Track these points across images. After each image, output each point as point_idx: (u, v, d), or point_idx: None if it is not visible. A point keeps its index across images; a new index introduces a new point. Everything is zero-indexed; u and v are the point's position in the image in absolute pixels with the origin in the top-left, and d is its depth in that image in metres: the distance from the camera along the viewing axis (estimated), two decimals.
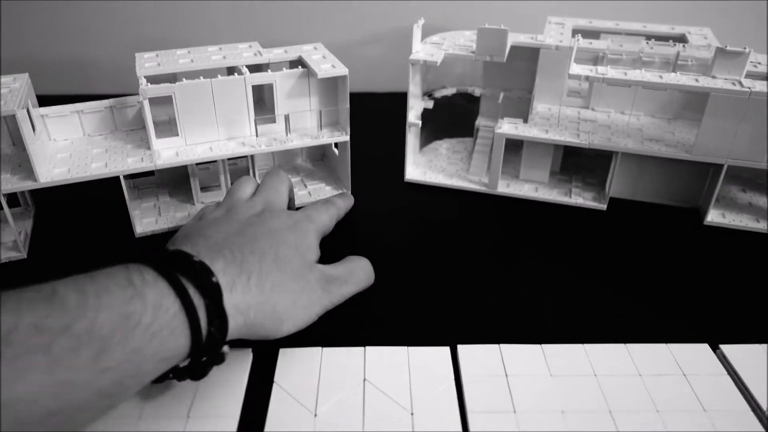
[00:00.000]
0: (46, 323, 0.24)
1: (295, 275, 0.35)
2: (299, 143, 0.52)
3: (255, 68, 0.52)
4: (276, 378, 0.36)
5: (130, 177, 0.54)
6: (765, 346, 0.37)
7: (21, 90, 0.46)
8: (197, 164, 0.52)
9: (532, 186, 0.57)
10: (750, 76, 0.50)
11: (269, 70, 0.52)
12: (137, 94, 0.48)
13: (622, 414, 0.33)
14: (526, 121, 0.55)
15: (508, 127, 0.54)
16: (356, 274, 0.41)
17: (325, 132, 0.53)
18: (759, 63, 0.53)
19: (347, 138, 0.53)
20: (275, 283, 0.33)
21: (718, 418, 0.33)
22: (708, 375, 0.35)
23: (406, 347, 0.38)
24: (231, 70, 0.52)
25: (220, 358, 0.31)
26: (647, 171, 0.53)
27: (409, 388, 0.35)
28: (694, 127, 0.54)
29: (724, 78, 0.49)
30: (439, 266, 0.47)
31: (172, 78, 0.49)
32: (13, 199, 0.52)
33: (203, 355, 0.30)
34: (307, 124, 0.54)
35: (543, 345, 0.38)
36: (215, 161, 0.52)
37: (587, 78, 0.50)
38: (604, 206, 0.54)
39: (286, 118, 0.51)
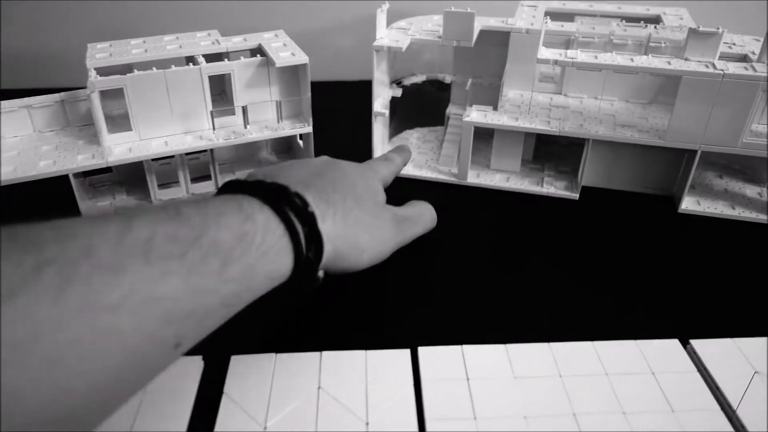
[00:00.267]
0: (179, 234, 0.26)
1: (371, 213, 0.37)
2: (259, 136, 0.50)
3: (214, 58, 0.50)
4: (226, 388, 0.34)
5: (85, 174, 0.52)
6: (736, 340, 0.36)
7: None
8: (155, 159, 0.50)
9: (503, 176, 0.55)
10: (725, 57, 0.48)
11: (227, 59, 0.49)
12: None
13: (587, 417, 0.31)
14: (496, 108, 0.54)
15: (477, 115, 0.52)
16: (423, 216, 0.43)
17: (286, 123, 0.51)
18: (734, 44, 0.51)
19: (310, 129, 0.51)
20: (356, 219, 0.35)
21: (686, 418, 0.31)
22: (678, 373, 0.34)
23: (364, 351, 0.36)
24: (190, 60, 0.49)
25: (316, 281, 0.34)
26: (620, 158, 0.52)
27: (365, 395, 0.33)
28: (668, 112, 0.53)
29: (697, 60, 0.47)
30: (404, 262, 0.45)
31: (127, 69, 0.47)
32: None
33: (301, 279, 0.32)
34: (268, 115, 0.52)
35: (507, 345, 0.36)
36: (173, 156, 0.50)
37: (556, 62, 0.48)
38: (576, 195, 0.52)
39: (244, 109, 0.49)
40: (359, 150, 0.57)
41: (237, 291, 0.28)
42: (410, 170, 0.56)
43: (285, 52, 0.49)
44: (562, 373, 0.34)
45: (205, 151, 0.51)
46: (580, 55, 0.48)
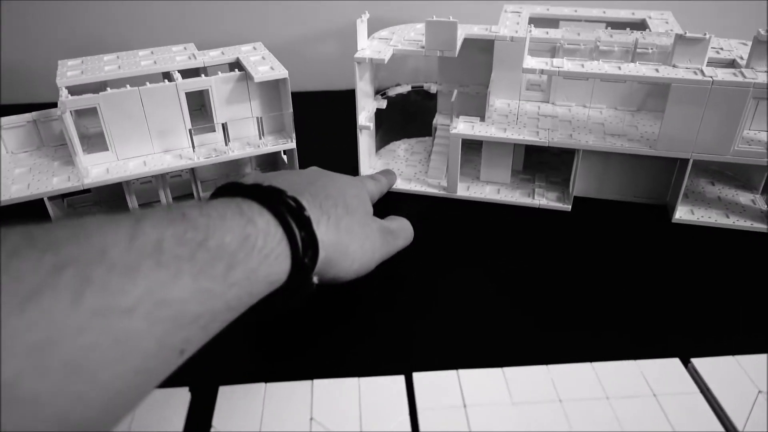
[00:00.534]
0: (187, 237, 0.26)
1: (361, 222, 0.37)
2: (241, 153, 0.48)
3: (191, 73, 0.49)
4: (214, 421, 0.32)
5: (63, 196, 0.50)
6: (738, 358, 0.35)
7: None
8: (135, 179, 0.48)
9: (493, 187, 0.54)
10: (713, 63, 0.47)
11: (204, 75, 0.48)
12: None
13: None
14: (483, 118, 0.52)
15: (464, 127, 0.51)
16: (405, 230, 0.43)
17: (269, 139, 0.50)
18: (721, 48, 0.50)
19: (293, 145, 0.49)
20: (347, 227, 0.35)
21: None
22: (679, 394, 0.33)
23: (357, 378, 0.35)
24: (166, 76, 0.48)
25: (311, 286, 0.33)
26: (611, 168, 0.51)
27: (359, 425, 0.32)
28: (658, 119, 0.52)
29: (685, 67, 0.46)
30: (395, 282, 0.44)
31: (100, 87, 0.45)
32: None
33: (297, 283, 0.31)
34: (250, 132, 0.50)
35: (504, 368, 0.35)
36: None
37: (542, 71, 0.47)
38: (568, 207, 0.51)
39: (224, 126, 0.47)
40: (345, 163, 0.55)
41: (240, 295, 0.28)
42: (399, 184, 0.54)
43: (264, 66, 0.48)
44: (561, 397, 0.33)
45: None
46: (567, 64, 0.47)
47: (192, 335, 0.25)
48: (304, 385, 0.34)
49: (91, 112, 0.45)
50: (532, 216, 0.51)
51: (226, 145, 0.48)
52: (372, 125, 0.53)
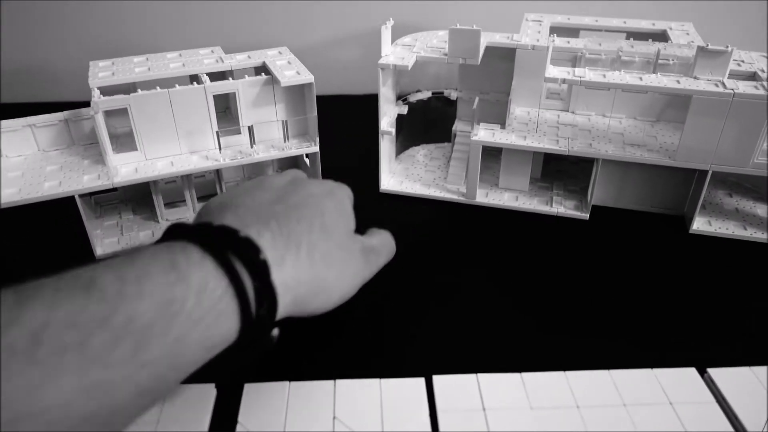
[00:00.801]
0: (83, 317, 0.22)
1: (340, 245, 0.33)
2: (265, 156, 0.49)
3: (218, 76, 0.50)
4: (240, 417, 0.33)
5: (90, 193, 0.51)
6: (754, 369, 0.36)
7: None
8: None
9: (512, 195, 0.54)
10: (734, 75, 0.48)
11: (231, 78, 0.49)
12: None
13: None
14: (503, 126, 0.53)
15: (485, 134, 0.52)
16: (387, 245, 0.39)
17: (293, 143, 0.51)
18: (742, 61, 0.51)
19: (317, 149, 0.50)
20: (323, 254, 0.31)
21: None
22: (695, 403, 0.34)
23: (378, 379, 0.35)
24: (194, 79, 0.49)
25: (269, 342, 0.29)
26: (630, 177, 0.51)
27: (381, 425, 0.33)
28: (677, 130, 0.52)
29: (707, 79, 0.47)
30: (416, 286, 0.45)
31: (130, 88, 0.46)
32: None
33: (251, 341, 0.28)
34: (274, 134, 0.51)
35: (523, 374, 0.35)
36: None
37: (564, 81, 0.48)
38: (586, 216, 0.52)
39: (250, 129, 0.48)
40: (366, 167, 0.57)
41: (158, 373, 0.24)
42: (418, 189, 0.55)
43: (290, 70, 0.49)
44: (579, 403, 0.33)
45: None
46: (589, 74, 0.48)
47: None
48: (327, 384, 0.35)
49: (120, 112, 0.46)
50: (550, 224, 0.52)
51: (252, 147, 0.49)
52: (393, 130, 0.53)
